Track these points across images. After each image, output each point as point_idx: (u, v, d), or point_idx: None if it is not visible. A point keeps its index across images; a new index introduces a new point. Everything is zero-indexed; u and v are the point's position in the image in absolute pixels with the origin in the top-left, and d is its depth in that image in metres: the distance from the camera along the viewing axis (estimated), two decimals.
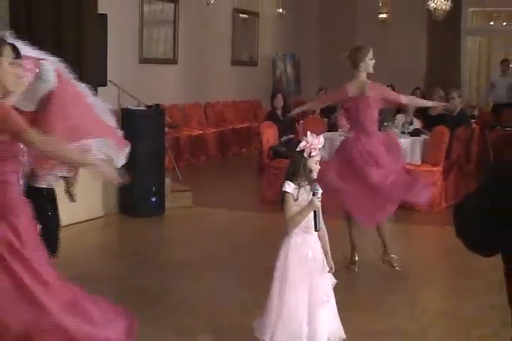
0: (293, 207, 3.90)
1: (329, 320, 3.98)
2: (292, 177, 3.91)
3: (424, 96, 11.62)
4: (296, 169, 3.89)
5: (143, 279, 5.68)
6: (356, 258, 6.06)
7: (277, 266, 3.95)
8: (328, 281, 4.03)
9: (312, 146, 3.84)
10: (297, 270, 3.92)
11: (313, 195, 3.87)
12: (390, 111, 10.22)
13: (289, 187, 3.88)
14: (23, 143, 3.36)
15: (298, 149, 3.86)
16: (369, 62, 5.91)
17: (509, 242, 1.61)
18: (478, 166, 9.53)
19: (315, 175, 3.91)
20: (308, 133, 3.95)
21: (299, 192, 3.90)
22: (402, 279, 5.95)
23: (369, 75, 6.00)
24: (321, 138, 3.94)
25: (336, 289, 4.02)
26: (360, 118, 5.89)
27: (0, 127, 3.20)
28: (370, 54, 5.94)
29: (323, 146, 4.05)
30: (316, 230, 3.94)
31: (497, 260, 1.98)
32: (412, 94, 11.83)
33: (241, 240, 7.06)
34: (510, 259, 1.76)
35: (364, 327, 4.71)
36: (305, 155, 3.84)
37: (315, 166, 3.90)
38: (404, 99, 6.51)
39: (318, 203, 3.86)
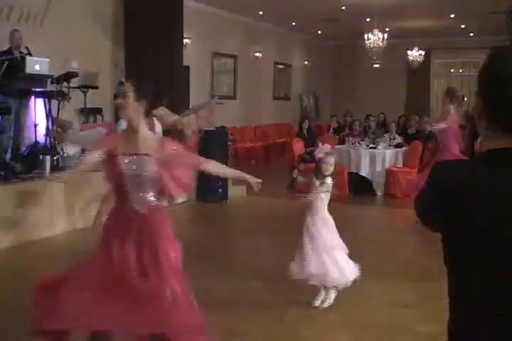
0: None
1: (336, 264, 3.93)
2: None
3: (406, 121, 11.34)
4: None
5: (213, 239, 5.88)
6: None
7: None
8: (333, 239, 3.96)
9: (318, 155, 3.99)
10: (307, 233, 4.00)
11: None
12: (380, 131, 10.11)
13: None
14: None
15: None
16: None
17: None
18: None
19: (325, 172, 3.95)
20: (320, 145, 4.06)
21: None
22: None
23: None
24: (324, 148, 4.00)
25: None
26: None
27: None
28: None
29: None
30: None
31: None
32: (398, 120, 11.57)
33: (278, 216, 7.10)
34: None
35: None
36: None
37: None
38: None
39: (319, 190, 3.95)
